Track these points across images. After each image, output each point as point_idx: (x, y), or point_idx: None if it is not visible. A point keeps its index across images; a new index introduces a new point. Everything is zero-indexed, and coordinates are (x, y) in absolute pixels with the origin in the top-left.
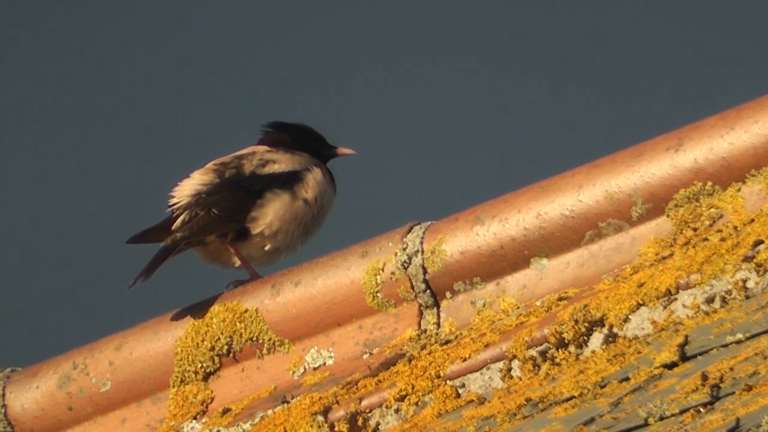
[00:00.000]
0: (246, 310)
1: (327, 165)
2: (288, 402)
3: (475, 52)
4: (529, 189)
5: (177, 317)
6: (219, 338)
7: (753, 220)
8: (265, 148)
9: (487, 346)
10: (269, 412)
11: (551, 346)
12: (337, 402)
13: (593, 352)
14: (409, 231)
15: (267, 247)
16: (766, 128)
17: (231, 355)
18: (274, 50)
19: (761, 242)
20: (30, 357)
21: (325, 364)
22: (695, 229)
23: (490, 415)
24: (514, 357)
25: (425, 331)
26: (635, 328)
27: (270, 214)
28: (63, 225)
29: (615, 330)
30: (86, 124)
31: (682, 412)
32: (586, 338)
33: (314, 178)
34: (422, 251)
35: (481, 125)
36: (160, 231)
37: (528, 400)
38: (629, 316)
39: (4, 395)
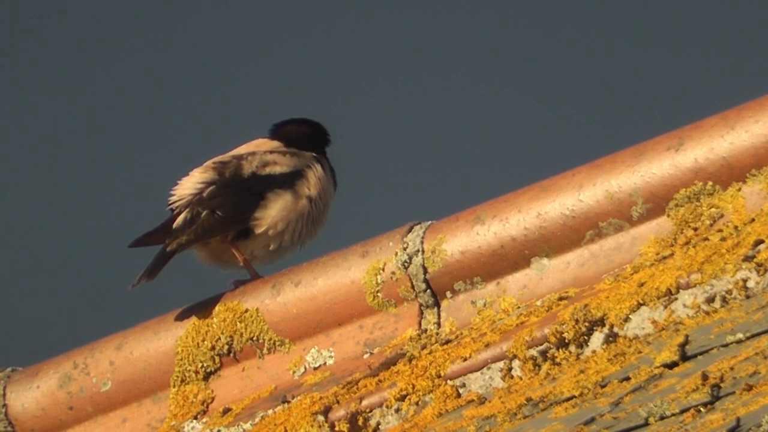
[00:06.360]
0: (246, 310)
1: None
2: (288, 402)
3: (475, 51)
4: (530, 189)
5: (178, 317)
6: (219, 338)
7: (753, 220)
8: (269, 146)
9: (487, 345)
10: (270, 411)
11: (552, 346)
12: (338, 402)
13: (594, 351)
14: (410, 231)
15: (271, 247)
16: (767, 128)
17: (231, 354)
18: (277, 50)
19: (761, 242)
20: (30, 357)
21: (325, 363)
22: (696, 229)
23: (491, 415)
24: (515, 357)
25: (426, 330)
26: (636, 327)
27: (273, 215)
28: (63, 225)
29: (615, 330)
30: (86, 124)
31: (683, 411)
32: (586, 338)
33: (315, 174)
34: (423, 251)
35: (481, 125)
36: (161, 233)
37: (528, 399)
38: (630, 316)
39: (4, 395)
